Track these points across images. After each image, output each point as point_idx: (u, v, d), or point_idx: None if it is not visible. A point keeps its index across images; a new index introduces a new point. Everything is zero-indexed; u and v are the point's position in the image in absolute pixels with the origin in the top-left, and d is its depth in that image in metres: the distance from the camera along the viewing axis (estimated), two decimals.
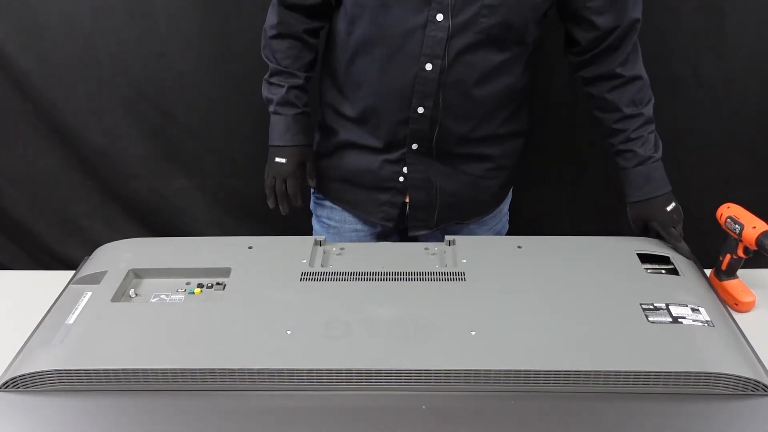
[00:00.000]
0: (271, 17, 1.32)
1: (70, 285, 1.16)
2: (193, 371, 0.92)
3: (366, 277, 1.12)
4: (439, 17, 1.16)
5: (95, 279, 1.14)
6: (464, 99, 1.24)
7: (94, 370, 0.93)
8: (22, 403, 0.92)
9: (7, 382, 0.94)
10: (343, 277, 1.12)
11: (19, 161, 1.75)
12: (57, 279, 1.22)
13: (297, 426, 0.89)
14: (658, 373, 0.91)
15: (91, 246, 1.30)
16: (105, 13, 1.56)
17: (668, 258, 1.20)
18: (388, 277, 1.11)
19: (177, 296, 1.10)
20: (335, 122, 1.36)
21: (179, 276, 1.15)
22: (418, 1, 1.16)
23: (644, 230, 1.31)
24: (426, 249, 1.22)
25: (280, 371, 0.92)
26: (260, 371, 0.92)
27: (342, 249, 1.21)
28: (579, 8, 1.21)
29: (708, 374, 0.91)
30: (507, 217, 1.54)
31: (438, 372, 0.92)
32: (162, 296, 1.10)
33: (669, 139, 1.64)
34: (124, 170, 1.77)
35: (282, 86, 1.32)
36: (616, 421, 0.89)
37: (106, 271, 1.14)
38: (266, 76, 1.35)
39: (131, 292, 1.11)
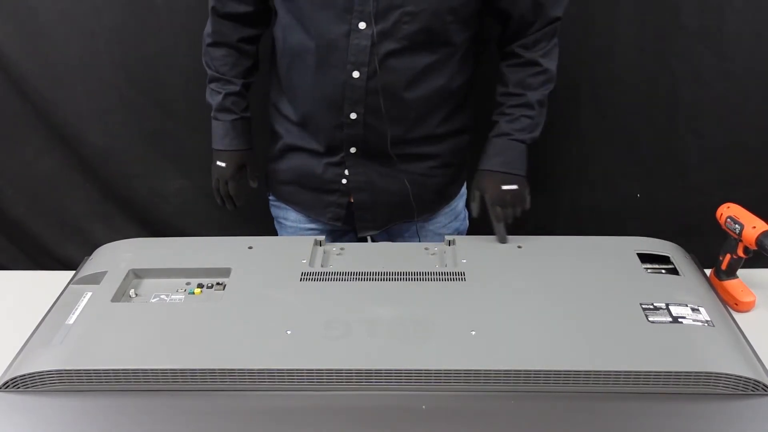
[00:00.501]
0: (208, 25, 1.34)
1: (70, 285, 1.16)
2: (193, 371, 0.92)
3: (366, 277, 1.12)
4: (362, 25, 1.17)
5: (95, 279, 1.14)
6: (395, 103, 1.25)
7: (94, 370, 0.93)
8: (22, 403, 0.92)
9: (7, 382, 0.94)
10: (343, 277, 1.12)
11: (19, 161, 1.75)
12: (57, 279, 1.22)
13: (297, 426, 0.89)
14: (658, 373, 0.91)
15: (90, 246, 1.30)
16: (105, 12, 1.56)
17: (668, 258, 1.20)
18: (388, 277, 1.11)
19: (177, 296, 1.10)
20: (280, 125, 1.37)
21: (179, 276, 1.15)
22: (340, 10, 1.16)
23: (479, 204, 1.28)
24: (426, 249, 1.22)
25: (280, 371, 0.92)
26: (260, 371, 0.92)
27: (342, 249, 1.22)
28: (499, 3, 1.23)
29: (708, 374, 0.91)
30: (465, 214, 1.53)
31: (438, 372, 0.92)
32: (162, 296, 1.10)
33: (669, 139, 1.65)
34: (124, 170, 1.77)
35: (219, 93, 1.35)
36: (616, 421, 0.89)
37: (106, 272, 1.14)
38: (207, 81, 1.38)
39: (131, 292, 1.11)
